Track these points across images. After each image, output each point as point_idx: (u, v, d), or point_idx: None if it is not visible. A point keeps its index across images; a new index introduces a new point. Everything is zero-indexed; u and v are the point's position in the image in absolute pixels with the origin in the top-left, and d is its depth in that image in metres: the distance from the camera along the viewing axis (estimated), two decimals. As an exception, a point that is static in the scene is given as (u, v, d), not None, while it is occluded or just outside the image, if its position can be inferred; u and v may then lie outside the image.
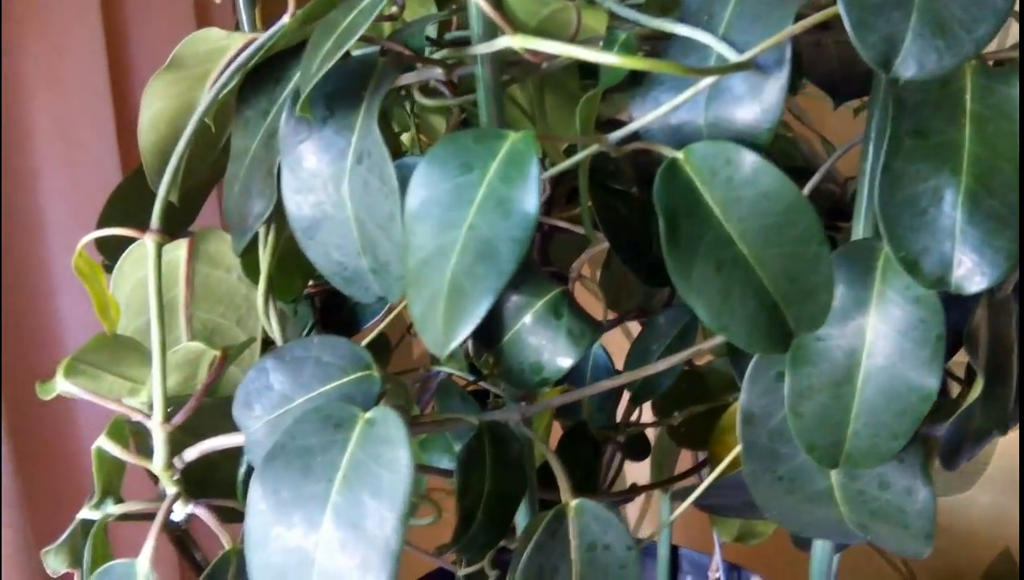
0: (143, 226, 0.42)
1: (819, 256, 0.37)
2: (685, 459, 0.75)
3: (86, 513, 0.48)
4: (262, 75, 0.45)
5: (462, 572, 0.53)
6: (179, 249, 0.47)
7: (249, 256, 0.46)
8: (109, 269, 0.55)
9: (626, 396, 0.64)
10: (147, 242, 0.40)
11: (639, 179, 0.54)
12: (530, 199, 0.32)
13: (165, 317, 0.49)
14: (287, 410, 0.42)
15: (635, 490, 0.59)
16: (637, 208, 0.52)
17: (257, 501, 0.38)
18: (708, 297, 0.37)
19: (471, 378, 0.56)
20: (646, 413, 0.68)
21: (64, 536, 0.49)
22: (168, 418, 0.40)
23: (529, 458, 0.47)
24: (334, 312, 0.58)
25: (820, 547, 0.54)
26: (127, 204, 0.53)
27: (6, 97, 0.67)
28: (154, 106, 0.50)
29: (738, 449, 0.46)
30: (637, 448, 0.60)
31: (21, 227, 0.70)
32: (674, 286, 0.58)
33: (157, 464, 0.41)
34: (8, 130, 0.68)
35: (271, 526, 0.38)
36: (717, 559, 0.78)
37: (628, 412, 0.60)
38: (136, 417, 0.40)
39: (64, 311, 0.74)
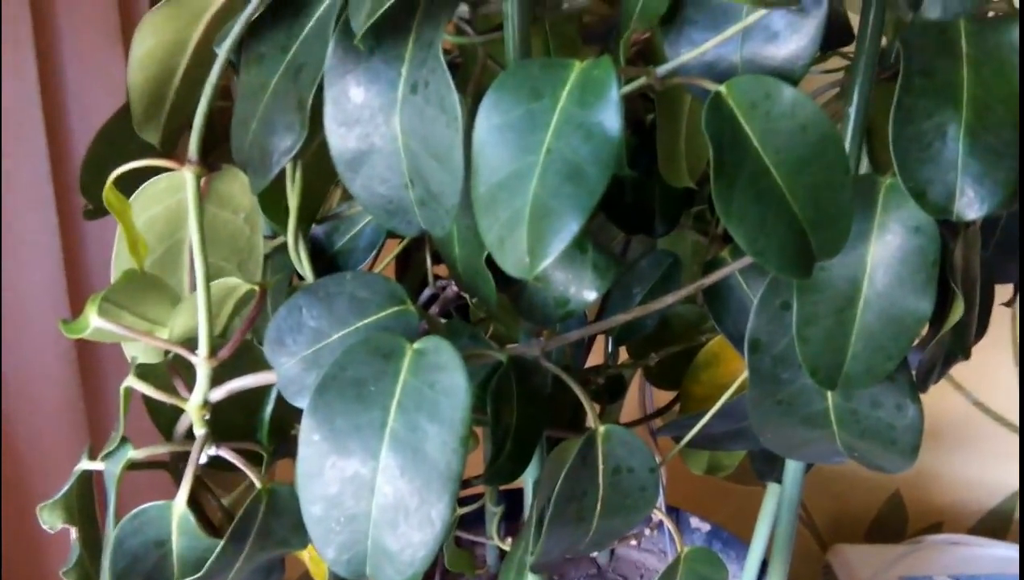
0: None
1: (843, 185, 0.40)
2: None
3: (87, 464, 0.47)
4: (278, 9, 0.44)
5: (459, 512, 0.54)
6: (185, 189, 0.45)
7: (265, 196, 0.46)
8: (90, 214, 0.54)
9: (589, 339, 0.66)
10: (186, 174, 0.39)
11: (628, 124, 0.56)
12: (612, 123, 0.33)
13: (169, 260, 0.48)
14: (323, 345, 0.42)
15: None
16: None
17: (310, 432, 0.39)
18: (746, 225, 0.39)
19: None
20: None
21: (62, 491, 0.47)
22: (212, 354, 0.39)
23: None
24: (317, 258, 0.58)
25: (791, 474, 0.58)
26: (111, 145, 0.52)
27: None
28: (146, 43, 0.49)
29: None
30: (615, 389, 0.62)
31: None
32: (651, 231, 0.61)
33: (195, 401, 0.40)
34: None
35: (326, 456, 0.38)
36: (661, 501, 0.82)
37: (609, 354, 0.62)
38: (180, 352, 0.39)
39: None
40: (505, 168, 0.35)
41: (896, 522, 1.20)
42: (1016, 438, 1.14)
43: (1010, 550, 1.02)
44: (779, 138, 0.39)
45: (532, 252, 0.33)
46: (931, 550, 1.03)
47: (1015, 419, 1.13)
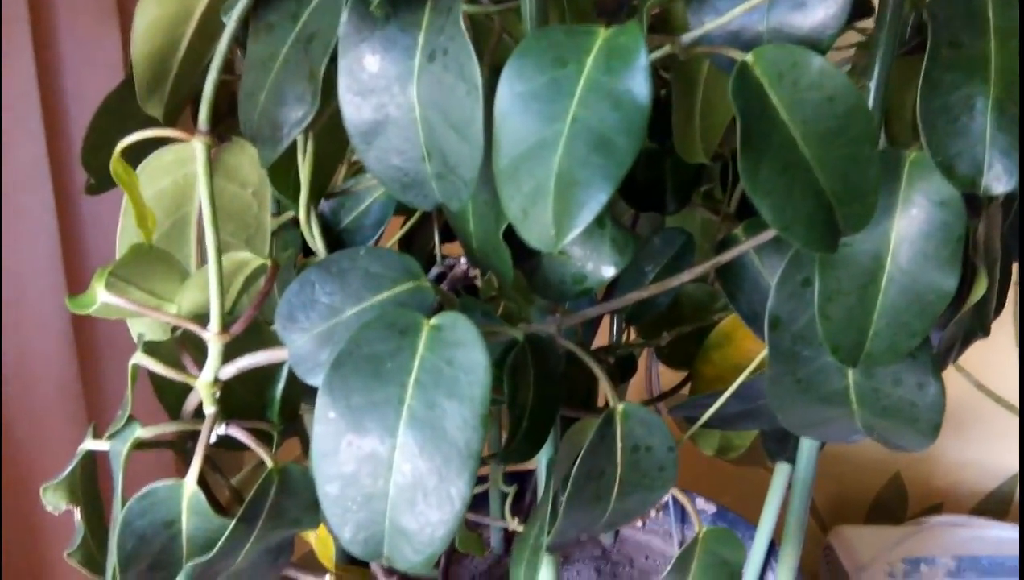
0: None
1: (870, 158, 0.39)
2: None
3: (92, 444, 0.46)
4: (287, -22, 0.43)
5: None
6: (194, 162, 0.44)
7: (274, 169, 0.45)
8: (92, 188, 0.52)
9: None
10: (195, 145, 0.38)
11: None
12: (641, 90, 0.32)
13: (176, 235, 0.47)
14: (337, 321, 0.41)
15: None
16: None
17: (326, 409, 0.38)
18: (773, 197, 0.38)
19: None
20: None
21: (65, 471, 0.46)
22: (224, 329, 0.38)
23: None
24: (322, 236, 0.57)
25: (806, 454, 0.57)
26: (113, 118, 0.50)
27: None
28: (150, 14, 0.47)
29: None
30: (626, 368, 0.61)
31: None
32: (662, 208, 0.60)
33: (205, 378, 0.39)
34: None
35: (343, 434, 0.37)
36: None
37: (616, 334, 0.61)
38: (191, 328, 0.38)
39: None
40: (529, 138, 0.34)
41: (896, 503, 1.20)
42: (1016, 420, 1.13)
43: (1010, 531, 1.02)
44: (806, 109, 0.38)
45: (558, 224, 0.32)
46: (932, 531, 1.03)
47: (1015, 400, 1.13)
